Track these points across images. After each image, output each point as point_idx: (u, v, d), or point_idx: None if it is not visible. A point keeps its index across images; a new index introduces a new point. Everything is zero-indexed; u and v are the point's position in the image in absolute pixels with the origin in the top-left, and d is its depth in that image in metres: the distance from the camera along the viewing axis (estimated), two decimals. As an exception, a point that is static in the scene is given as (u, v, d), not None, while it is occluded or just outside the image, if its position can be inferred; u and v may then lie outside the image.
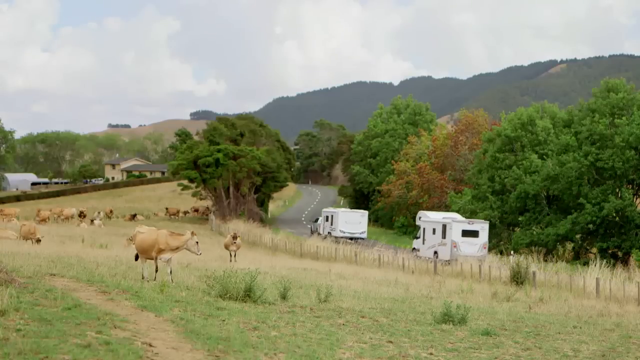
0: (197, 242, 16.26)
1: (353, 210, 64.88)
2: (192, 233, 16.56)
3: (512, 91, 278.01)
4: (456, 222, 43.63)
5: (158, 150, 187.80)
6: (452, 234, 42.57)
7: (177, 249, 16.45)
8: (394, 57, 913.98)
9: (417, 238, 47.33)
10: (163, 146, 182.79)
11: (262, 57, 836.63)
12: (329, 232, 58.81)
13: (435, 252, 43.27)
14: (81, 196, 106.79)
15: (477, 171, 57.57)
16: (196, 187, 77.66)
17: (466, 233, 42.55)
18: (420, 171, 68.63)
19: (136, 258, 17.72)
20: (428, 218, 46.70)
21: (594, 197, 45.80)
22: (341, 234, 56.48)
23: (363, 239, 57.13)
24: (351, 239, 55.49)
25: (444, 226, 43.51)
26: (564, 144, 49.33)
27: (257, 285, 14.41)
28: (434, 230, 44.39)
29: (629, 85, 51.42)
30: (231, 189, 74.43)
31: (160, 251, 16.35)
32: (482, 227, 43.25)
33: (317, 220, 64.94)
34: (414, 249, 47.21)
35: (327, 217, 60.77)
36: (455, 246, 42.35)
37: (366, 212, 62.53)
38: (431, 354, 10.63)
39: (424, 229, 46.09)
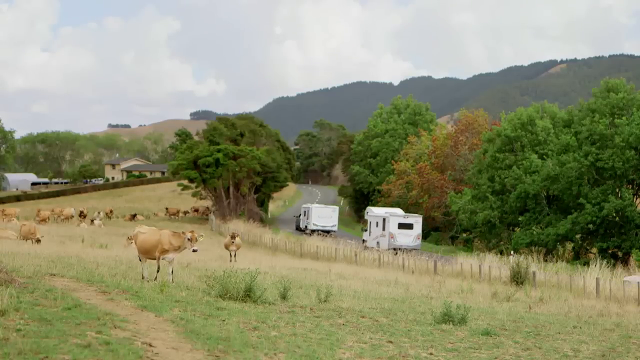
0: (189, 239, 16.10)
1: (325, 206, 70.50)
2: (183, 233, 16.50)
3: (512, 91, 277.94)
4: (393, 216, 49.52)
5: (158, 150, 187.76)
6: (389, 227, 48.26)
7: (179, 248, 16.47)
8: (394, 57, 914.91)
9: (365, 231, 52.90)
10: (163, 146, 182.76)
11: (262, 57, 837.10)
12: (305, 226, 64.97)
13: (378, 243, 48.83)
14: (81, 196, 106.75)
15: (477, 171, 57.56)
16: (196, 187, 77.61)
17: (402, 226, 48.56)
18: (420, 171, 68.61)
19: (140, 258, 17.72)
20: (373, 213, 52.54)
21: (594, 197, 45.80)
22: (314, 227, 62.66)
23: (334, 231, 62.96)
24: (324, 231, 61.31)
25: (384, 219, 49.31)
26: (564, 144, 49.33)
27: (257, 285, 14.41)
28: (377, 223, 50.26)
29: (629, 85, 51.40)
30: (231, 189, 74.38)
31: (164, 251, 16.36)
32: (416, 220, 49.66)
33: (300, 215, 70.00)
34: (363, 240, 51.82)
35: (304, 212, 66.95)
36: (392, 237, 48.22)
37: (337, 208, 68.19)
38: (431, 354, 10.63)
39: (370, 222, 51.93)
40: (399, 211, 53.83)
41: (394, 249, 44.57)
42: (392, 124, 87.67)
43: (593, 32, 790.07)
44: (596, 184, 47.10)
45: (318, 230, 61.65)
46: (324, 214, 64.69)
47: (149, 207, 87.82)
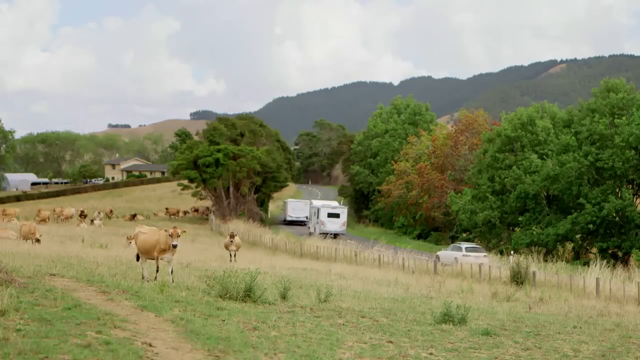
0: (170, 234, 16.18)
1: (299, 200, 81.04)
2: (165, 230, 16.58)
3: (512, 91, 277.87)
4: (324, 207, 62.43)
5: (158, 150, 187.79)
6: (321, 215, 60.89)
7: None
8: (394, 57, 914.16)
9: (308, 219, 67.68)
10: (163, 146, 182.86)
11: (262, 57, 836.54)
12: (284, 217, 76.58)
13: (315, 229, 61.33)
14: (81, 196, 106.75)
15: (477, 171, 57.54)
16: (196, 187, 77.62)
17: (330, 215, 61.05)
18: (420, 171, 68.60)
19: (137, 258, 17.71)
20: (313, 205, 66.21)
21: (594, 197, 45.78)
22: (289, 218, 74.98)
23: (305, 221, 72.13)
24: (298, 222, 73.15)
25: (318, 210, 61.96)
26: (564, 144, 49.30)
27: (257, 285, 14.42)
28: (314, 213, 63.34)
29: (629, 85, 51.34)
30: (231, 189, 74.37)
31: (162, 251, 16.38)
32: (342, 211, 62.94)
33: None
34: (309, 227, 65.29)
35: (284, 205, 79.00)
36: (322, 224, 60.55)
37: (308, 202, 75.95)
38: (431, 354, 10.62)
39: (311, 212, 65.63)
40: (332, 203, 66.49)
41: (324, 233, 57.99)
42: (392, 124, 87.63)
43: (593, 32, 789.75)
44: (596, 184, 47.08)
45: (293, 221, 73.82)
46: (297, 207, 75.39)
47: (149, 207, 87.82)
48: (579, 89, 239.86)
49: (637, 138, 44.62)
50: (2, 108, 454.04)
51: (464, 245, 41.67)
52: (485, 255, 39.46)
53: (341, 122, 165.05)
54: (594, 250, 47.50)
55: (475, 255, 38.68)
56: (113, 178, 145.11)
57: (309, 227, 64.70)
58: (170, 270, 16.40)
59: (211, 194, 77.08)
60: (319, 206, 62.94)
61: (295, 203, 77.25)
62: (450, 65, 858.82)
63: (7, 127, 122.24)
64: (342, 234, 59.92)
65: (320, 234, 58.68)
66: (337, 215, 61.19)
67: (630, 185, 48.21)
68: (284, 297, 15.32)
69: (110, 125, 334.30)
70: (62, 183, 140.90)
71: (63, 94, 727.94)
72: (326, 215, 60.87)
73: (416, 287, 23.92)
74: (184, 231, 17.05)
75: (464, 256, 38.23)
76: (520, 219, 52.88)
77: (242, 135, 79.53)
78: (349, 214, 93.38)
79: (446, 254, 40.51)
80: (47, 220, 58.90)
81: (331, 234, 58.56)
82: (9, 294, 10.05)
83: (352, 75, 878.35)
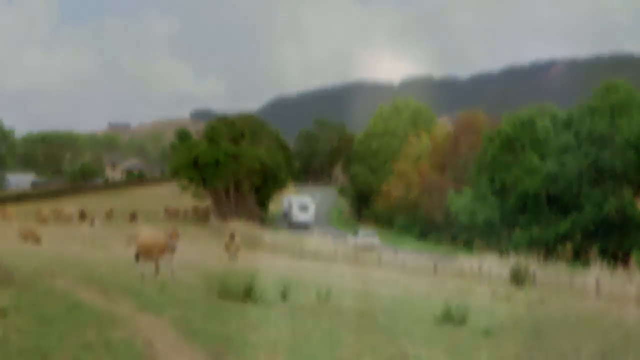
0: (169, 235, 16.29)
1: (290, 196, 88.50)
2: (165, 231, 16.65)
3: (512, 91, 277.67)
4: (295, 201, 74.69)
5: (158, 149, 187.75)
6: (293, 208, 73.19)
7: (174, 248, 16.48)
8: (394, 57, 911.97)
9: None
10: (163, 146, 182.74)
11: (262, 57, 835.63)
12: (282, 212, 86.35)
13: (291, 219, 72.46)
14: (81, 196, 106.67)
15: (477, 171, 57.52)
16: (196, 187, 77.54)
17: (301, 208, 73.07)
18: (420, 171, 68.58)
19: (137, 259, 17.71)
20: (288, 199, 78.18)
21: (594, 197, 45.77)
22: (284, 211, 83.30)
23: None
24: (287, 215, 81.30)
25: (291, 204, 74.00)
26: (564, 144, 49.28)
27: (257, 285, 14.41)
28: (288, 206, 75.44)
29: (629, 85, 51.35)
30: (231, 189, 74.29)
31: (162, 251, 16.37)
32: (311, 204, 73.19)
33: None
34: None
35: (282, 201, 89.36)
36: (294, 215, 72.14)
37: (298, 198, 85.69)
38: (431, 354, 10.61)
39: (287, 205, 77.35)
40: (303, 197, 77.87)
41: (296, 223, 69.59)
42: (392, 124, 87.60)
43: (593, 32, 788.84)
44: (596, 184, 47.07)
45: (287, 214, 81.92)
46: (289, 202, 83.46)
47: (149, 207, 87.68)
48: (579, 89, 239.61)
49: (637, 138, 44.62)
50: (2, 108, 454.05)
51: (361, 231, 54.76)
52: (377, 238, 51.96)
53: (341, 122, 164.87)
54: (594, 250, 47.47)
55: (369, 237, 51.09)
56: (113, 178, 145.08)
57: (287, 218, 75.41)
58: (170, 271, 16.39)
59: (211, 194, 76.99)
60: (292, 200, 74.68)
61: (287, 199, 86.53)
62: (450, 65, 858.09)
63: (7, 127, 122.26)
64: (311, 224, 69.75)
65: (293, 223, 70.47)
66: (306, 209, 72.66)
67: (630, 185, 48.19)
68: (284, 297, 15.31)
69: (110, 125, 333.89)
70: (62, 183, 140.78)
71: (63, 93, 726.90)
72: (297, 208, 72.55)
73: (416, 287, 23.90)
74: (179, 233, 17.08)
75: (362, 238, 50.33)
76: (520, 219, 52.86)
77: (242, 134, 79.36)
78: (348, 214, 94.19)
79: (350, 237, 52.27)
80: (47, 220, 58.80)
81: (302, 224, 69.34)
82: (9, 294, 10.04)
83: (352, 75, 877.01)
